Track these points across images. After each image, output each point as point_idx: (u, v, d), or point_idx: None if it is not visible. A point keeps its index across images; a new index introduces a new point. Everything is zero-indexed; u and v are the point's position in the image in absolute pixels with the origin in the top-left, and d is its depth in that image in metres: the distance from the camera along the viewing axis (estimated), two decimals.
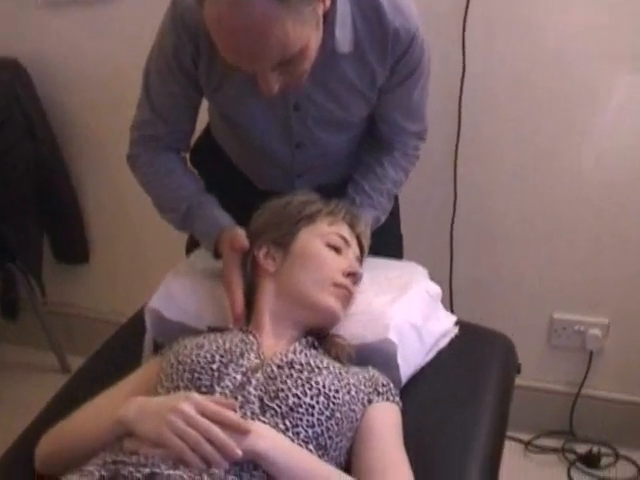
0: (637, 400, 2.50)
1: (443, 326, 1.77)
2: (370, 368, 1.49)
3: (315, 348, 1.50)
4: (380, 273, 1.74)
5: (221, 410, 1.19)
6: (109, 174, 2.74)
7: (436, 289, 1.82)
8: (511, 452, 2.33)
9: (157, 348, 1.63)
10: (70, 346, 2.99)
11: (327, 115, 1.69)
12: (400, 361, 1.55)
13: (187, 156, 1.87)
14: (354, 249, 1.63)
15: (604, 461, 2.49)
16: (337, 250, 1.58)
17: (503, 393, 1.72)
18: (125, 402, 1.28)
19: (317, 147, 1.78)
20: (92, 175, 2.79)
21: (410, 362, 1.61)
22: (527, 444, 2.58)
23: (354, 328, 1.57)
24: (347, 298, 1.55)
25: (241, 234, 1.63)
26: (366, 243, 1.70)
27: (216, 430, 1.16)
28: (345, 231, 1.62)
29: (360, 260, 1.66)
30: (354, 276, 1.56)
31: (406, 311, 1.64)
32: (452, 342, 1.76)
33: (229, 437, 1.16)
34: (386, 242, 1.85)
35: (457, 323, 1.81)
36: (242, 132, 1.77)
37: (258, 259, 1.59)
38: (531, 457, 2.56)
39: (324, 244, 1.57)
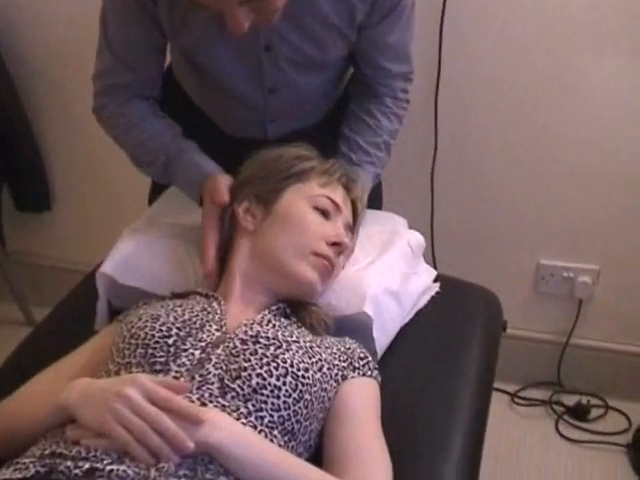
0: (628, 349, 2.43)
1: (422, 283, 1.65)
2: (347, 339, 1.37)
3: (287, 317, 1.37)
4: (362, 230, 1.62)
5: (172, 396, 1.07)
6: (71, 117, 2.58)
7: (419, 240, 1.71)
8: (496, 404, 2.18)
9: (117, 312, 1.49)
10: (37, 298, 2.88)
11: (302, 56, 1.56)
12: (376, 333, 1.44)
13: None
14: (345, 216, 1.47)
15: (593, 413, 2.43)
16: (325, 215, 1.43)
17: (488, 352, 1.63)
18: (69, 383, 1.15)
19: (291, 91, 1.65)
20: (53, 119, 2.63)
21: (388, 331, 1.51)
22: (513, 396, 2.50)
23: (328, 298, 1.45)
24: (328, 270, 1.39)
25: (223, 187, 1.49)
26: (362, 210, 1.55)
27: (165, 420, 1.04)
28: (338, 195, 1.47)
29: (352, 229, 1.51)
30: (339, 246, 1.41)
31: (384, 274, 1.52)
32: (433, 299, 1.65)
33: (180, 427, 1.03)
34: None
35: (438, 278, 1.70)
36: (209, 76, 1.63)
37: (237, 215, 1.45)
38: (517, 409, 2.48)
39: (311, 207, 1.42)
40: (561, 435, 2.36)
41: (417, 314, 1.60)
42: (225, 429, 1.07)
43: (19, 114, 2.58)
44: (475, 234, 2.38)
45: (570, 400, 2.45)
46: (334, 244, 1.40)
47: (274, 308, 1.36)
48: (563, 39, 2.02)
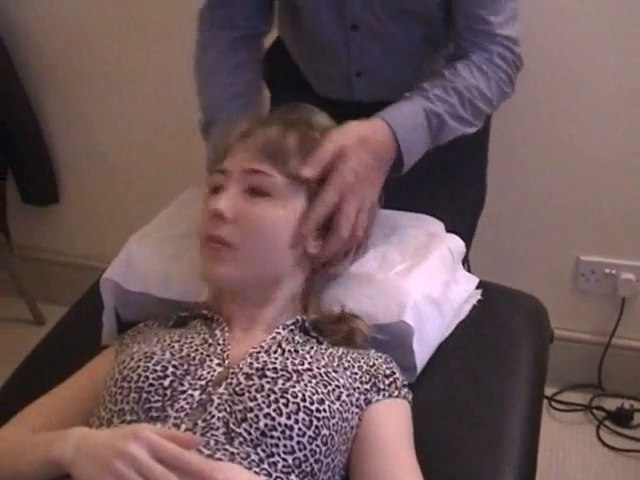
0: None
1: (462, 291, 1.50)
2: (372, 352, 1.22)
3: (307, 332, 1.22)
4: (394, 232, 1.48)
5: (181, 452, 0.93)
6: (78, 108, 2.50)
7: (460, 246, 1.54)
8: None
9: (127, 325, 1.37)
10: (44, 294, 2.82)
11: None
12: (417, 346, 1.29)
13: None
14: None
15: (637, 418, 2.29)
16: (216, 190, 1.24)
17: (536, 368, 1.50)
18: (60, 432, 1.02)
19: (374, 33, 1.55)
20: (59, 110, 2.55)
21: (429, 343, 1.36)
22: (550, 399, 2.36)
23: (364, 305, 1.30)
24: (217, 249, 1.19)
25: None
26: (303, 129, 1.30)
27: None
28: (228, 162, 1.25)
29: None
30: (217, 215, 1.19)
31: (426, 281, 1.37)
32: (473, 309, 1.50)
33: None
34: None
35: (478, 285, 1.54)
36: (299, 16, 1.59)
37: None
38: (555, 414, 2.34)
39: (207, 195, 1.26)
40: (603, 443, 2.23)
41: (456, 328, 1.45)
42: None
43: (24, 105, 2.51)
44: (510, 227, 2.28)
45: (611, 404, 2.32)
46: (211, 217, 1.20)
47: (289, 323, 1.21)
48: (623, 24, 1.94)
